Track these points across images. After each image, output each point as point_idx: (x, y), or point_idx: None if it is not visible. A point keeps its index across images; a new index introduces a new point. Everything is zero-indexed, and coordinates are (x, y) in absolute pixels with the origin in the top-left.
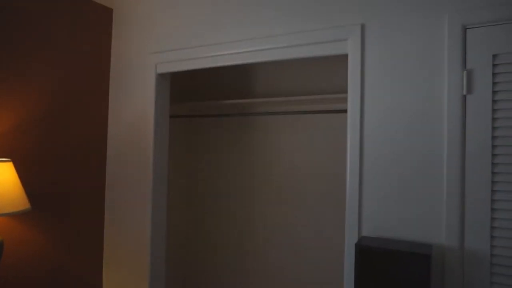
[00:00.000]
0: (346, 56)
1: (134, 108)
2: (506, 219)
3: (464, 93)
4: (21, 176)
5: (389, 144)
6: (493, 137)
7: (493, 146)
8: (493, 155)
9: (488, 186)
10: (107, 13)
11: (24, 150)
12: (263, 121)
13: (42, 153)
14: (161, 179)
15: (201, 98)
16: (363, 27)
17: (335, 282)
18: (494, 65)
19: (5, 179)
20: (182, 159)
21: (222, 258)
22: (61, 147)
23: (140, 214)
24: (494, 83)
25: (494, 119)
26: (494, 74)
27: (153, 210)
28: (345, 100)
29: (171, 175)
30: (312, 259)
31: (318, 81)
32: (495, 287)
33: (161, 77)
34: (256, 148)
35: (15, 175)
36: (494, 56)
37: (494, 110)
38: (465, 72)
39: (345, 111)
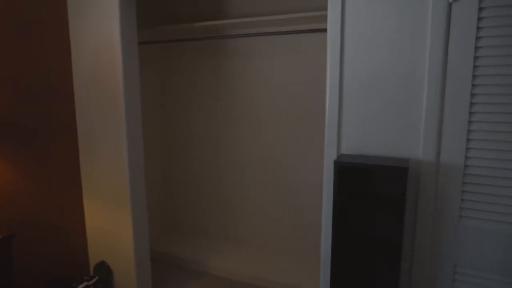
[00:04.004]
0: None
1: (97, 34)
2: (482, 131)
3: (451, 0)
4: None
5: (370, 61)
6: (476, 48)
7: (475, 58)
8: (475, 67)
9: (467, 99)
10: None
11: None
12: (240, 44)
13: (2, 83)
14: (134, 109)
15: (173, 21)
16: None
17: (314, 200)
18: None
19: None
20: (155, 88)
21: (204, 186)
22: (23, 78)
23: (115, 146)
24: None
25: (479, 29)
26: None
27: (128, 142)
28: (325, 18)
29: (144, 105)
30: (292, 179)
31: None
32: (466, 195)
33: None
34: (233, 73)
35: None
36: None
37: (479, 19)
38: None
39: (325, 30)
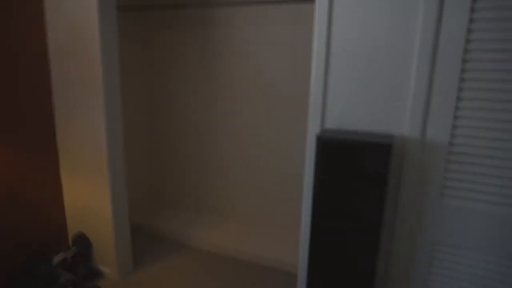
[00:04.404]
0: None
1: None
2: (470, 108)
3: None
4: None
5: (358, 33)
6: (470, 20)
7: (469, 30)
8: (467, 40)
9: (457, 73)
10: None
11: None
12: (225, 13)
13: None
14: (113, 76)
15: None
16: None
17: (297, 174)
18: None
19: None
20: (136, 59)
21: (188, 159)
22: None
23: (93, 115)
24: None
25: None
26: None
27: (106, 110)
28: None
29: (127, 76)
30: (277, 151)
31: None
32: (449, 173)
33: None
34: (219, 44)
35: None
36: None
37: None
38: None
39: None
